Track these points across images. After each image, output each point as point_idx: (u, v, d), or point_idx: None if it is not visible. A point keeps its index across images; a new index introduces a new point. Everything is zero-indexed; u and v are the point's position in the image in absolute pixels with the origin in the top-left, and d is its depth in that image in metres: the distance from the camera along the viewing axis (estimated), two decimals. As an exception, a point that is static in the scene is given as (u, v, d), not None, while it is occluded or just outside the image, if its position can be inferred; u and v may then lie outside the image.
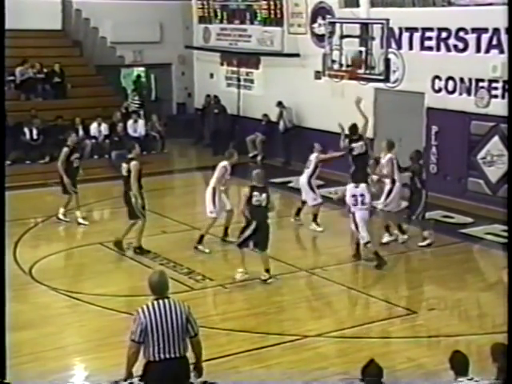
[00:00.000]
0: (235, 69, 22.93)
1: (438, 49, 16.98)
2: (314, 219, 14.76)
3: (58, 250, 13.67)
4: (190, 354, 6.93)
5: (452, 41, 16.66)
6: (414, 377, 8.67)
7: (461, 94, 16.66)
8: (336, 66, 17.64)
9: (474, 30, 16.17)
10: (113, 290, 11.52)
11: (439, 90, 17.09)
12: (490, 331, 9.79)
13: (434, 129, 17.25)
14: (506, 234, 13.33)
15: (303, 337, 9.99)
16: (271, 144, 21.43)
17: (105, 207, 16.89)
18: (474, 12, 16.19)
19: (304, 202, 15.03)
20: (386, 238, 13.88)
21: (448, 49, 16.79)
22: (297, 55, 20.56)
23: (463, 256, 13.47)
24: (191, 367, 6.96)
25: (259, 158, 21.59)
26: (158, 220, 15.21)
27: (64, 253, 13.63)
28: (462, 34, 16.44)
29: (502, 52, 15.56)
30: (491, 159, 16.18)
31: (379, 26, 17.48)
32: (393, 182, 13.85)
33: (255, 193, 11.78)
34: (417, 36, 17.39)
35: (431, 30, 17.05)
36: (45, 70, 21.24)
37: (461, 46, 16.51)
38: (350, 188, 13.04)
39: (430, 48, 17.16)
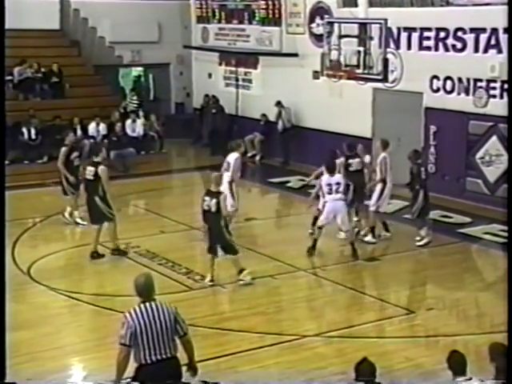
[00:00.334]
0: (233, 69, 22.89)
1: (437, 49, 16.96)
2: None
3: (56, 249, 13.64)
4: (182, 355, 6.92)
5: (450, 41, 16.65)
6: (412, 376, 8.67)
7: (459, 93, 16.64)
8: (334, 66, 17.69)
9: (472, 29, 16.16)
10: (111, 290, 11.52)
11: (437, 90, 17.08)
12: (488, 331, 9.81)
13: (433, 128, 17.23)
14: (504, 233, 13.38)
15: (301, 337, 9.99)
16: (270, 144, 21.41)
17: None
18: (473, 12, 16.18)
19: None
20: (368, 238, 13.89)
21: (446, 49, 16.78)
22: (295, 55, 20.54)
23: (461, 256, 13.46)
24: (185, 367, 6.96)
25: (258, 157, 21.59)
26: (157, 220, 15.21)
27: (62, 253, 13.59)
28: (460, 33, 16.43)
29: (500, 52, 15.56)
30: (489, 159, 16.17)
31: (377, 25, 17.57)
32: (383, 181, 13.78)
33: (206, 197, 11.52)
34: (415, 36, 17.36)
35: (429, 29, 17.03)
36: (43, 70, 21.20)
37: (459, 45, 16.49)
38: (325, 177, 13.02)
39: (428, 48, 17.13)
